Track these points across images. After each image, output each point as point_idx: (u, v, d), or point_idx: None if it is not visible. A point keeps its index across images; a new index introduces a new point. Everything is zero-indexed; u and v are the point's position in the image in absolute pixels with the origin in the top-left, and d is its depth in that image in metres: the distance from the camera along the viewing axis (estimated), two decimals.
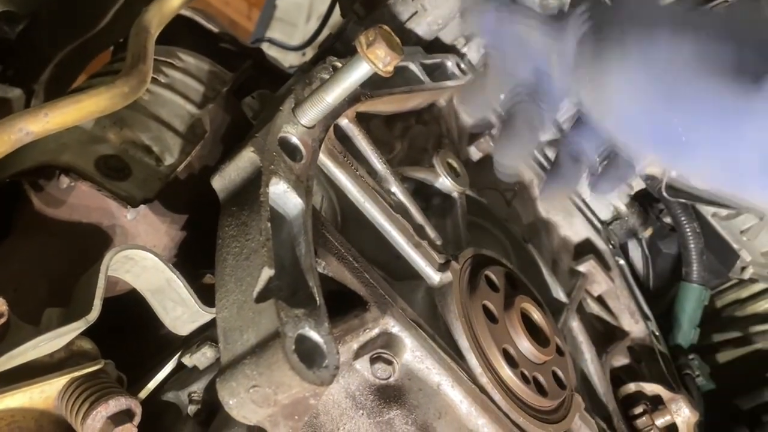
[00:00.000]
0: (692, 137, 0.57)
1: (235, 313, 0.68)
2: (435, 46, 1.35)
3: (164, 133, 1.06)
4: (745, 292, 1.78)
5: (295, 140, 0.83)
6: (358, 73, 0.74)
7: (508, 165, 0.76)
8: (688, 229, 1.52)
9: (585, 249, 1.49)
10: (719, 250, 1.60)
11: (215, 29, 1.35)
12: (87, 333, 0.79)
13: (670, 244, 1.60)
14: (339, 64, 0.93)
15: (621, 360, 1.39)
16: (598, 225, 1.51)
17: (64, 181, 0.95)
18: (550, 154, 1.23)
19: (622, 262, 1.51)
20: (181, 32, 1.25)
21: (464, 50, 1.37)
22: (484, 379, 0.88)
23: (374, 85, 0.98)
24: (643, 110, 0.58)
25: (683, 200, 1.50)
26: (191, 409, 0.89)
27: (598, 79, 0.59)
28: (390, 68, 0.72)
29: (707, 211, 1.59)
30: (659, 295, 1.62)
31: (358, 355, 0.81)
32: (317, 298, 0.70)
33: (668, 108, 0.58)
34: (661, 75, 0.57)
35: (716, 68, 0.55)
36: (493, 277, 0.99)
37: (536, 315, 1.00)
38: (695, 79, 0.55)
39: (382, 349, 0.81)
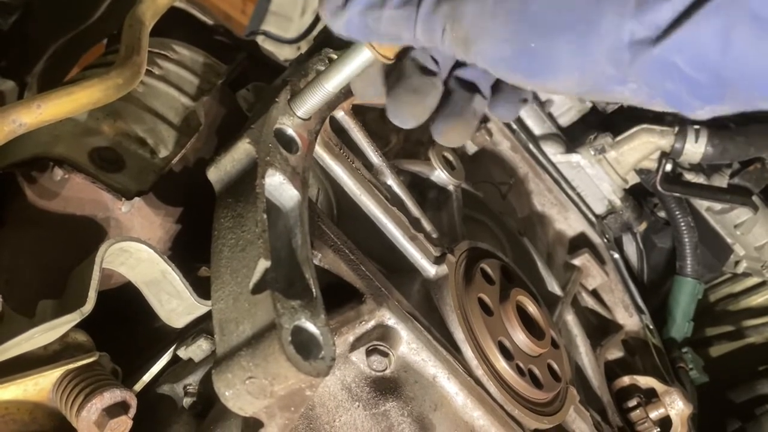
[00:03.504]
0: (550, 54, 0.58)
1: (230, 305, 0.67)
2: None
3: (159, 126, 1.05)
4: (738, 286, 1.79)
5: (290, 132, 0.83)
6: (358, 59, 0.72)
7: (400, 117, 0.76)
8: (682, 223, 1.52)
9: (580, 243, 1.50)
10: (713, 245, 1.61)
11: (210, 21, 1.34)
12: (82, 325, 0.78)
13: (664, 238, 1.61)
14: (334, 56, 0.92)
15: (615, 353, 1.40)
16: (593, 219, 1.52)
17: (58, 173, 0.94)
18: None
19: (616, 255, 1.51)
20: (175, 24, 1.24)
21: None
22: (480, 372, 0.88)
23: None
24: (505, 42, 0.59)
25: (677, 194, 1.51)
26: (186, 401, 0.89)
27: (461, 28, 0.60)
28: (390, 54, 0.70)
29: (701, 205, 1.60)
30: (653, 289, 1.63)
31: (354, 347, 0.81)
32: (313, 290, 0.69)
33: (525, 35, 0.58)
34: (515, 7, 0.57)
35: None
36: (488, 270, 0.99)
37: (531, 308, 1.01)
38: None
39: (378, 341, 0.81)
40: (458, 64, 0.74)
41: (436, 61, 0.73)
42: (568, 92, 0.62)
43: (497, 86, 0.76)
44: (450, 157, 1.15)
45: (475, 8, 0.60)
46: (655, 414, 1.25)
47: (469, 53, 0.62)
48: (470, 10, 0.60)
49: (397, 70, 0.74)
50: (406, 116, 0.75)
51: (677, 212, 1.52)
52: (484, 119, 1.37)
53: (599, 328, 1.44)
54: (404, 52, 0.73)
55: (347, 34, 0.68)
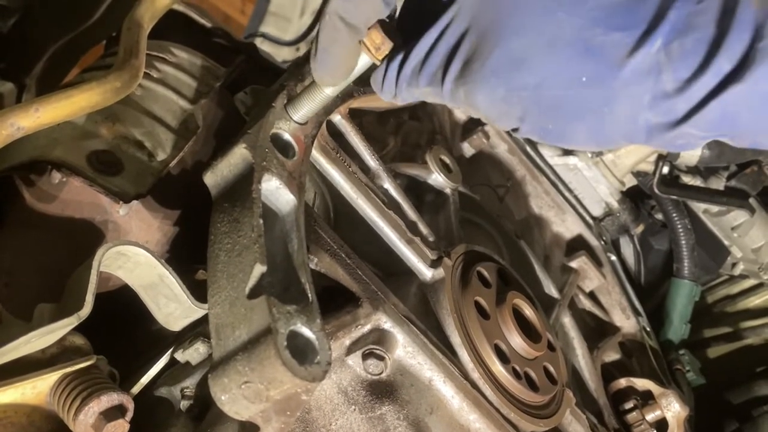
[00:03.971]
0: (567, 134, 0.63)
1: (227, 309, 0.68)
2: None
3: (157, 129, 1.05)
4: (735, 288, 1.80)
5: (287, 137, 0.83)
6: (357, 63, 0.74)
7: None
8: (679, 226, 1.53)
9: (577, 245, 1.50)
10: (710, 247, 1.62)
11: (208, 24, 1.34)
12: (79, 329, 0.79)
13: (661, 241, 1.62)
14: None
15: (612, 355, 1.40)
16: (590, 221, 1.52)
17: (56, 176, 0.94)
18: None
19: (613, 258, 1.52)
20: (173, 27, 1.24)
21: None
22: (476, 375, 0.88)
23: (367, 82, 0.98)
24: (522, 123, 0.65)
25: (675, 197, 1.52)
26: (184, 404, 0.89)
27: (479, 112, 0.68)
28: (381, 56, 0.71)
29: (698, 207, 1.60)
30: (650, 291, 1.63)
31: (350, 350, 0.81)
32: (309, 295, 0.70)
33: (541, 119, 0.64)
34: (528, 96, 0.62)
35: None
36: (485, 273, 1.00)
37: (528, 311, 1.01)
38: (554, 90, 0.61)
39: (374, 344, 0.81)
40: None
41: None
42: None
43: None
44: (447, 160, 1.15)
45: (487, 98, 0.64)
46: (651, 416, 1.26)
47: (494, 125, 0.69)
48: (482, 100, 0.65)
49: None
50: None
51: (674, 215, 1.53)
52: (482, 122, 1.37)
53: (596, 331, 1.44)
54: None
55: (406, 103, 0.78)
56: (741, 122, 0.55)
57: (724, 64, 0.53)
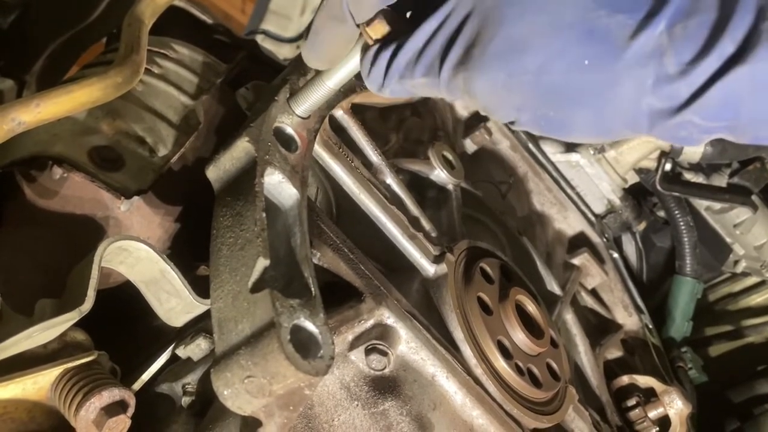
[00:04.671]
0: (568, 122, 0.62)
1: (229, 304, 0.67)
2: None
3: (158, 124, 1.05)
4: (737, 286, 1.79)
5: (290, 130, 0.83)
6: (359, 55, 0.73)
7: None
8: (681, 223, 1.52)
9: (579, 242, 1.49)
10: (712, 244, 1.61)
11: (209, 20, 1.34)
12: (80, 324, 0.78)
13: (663, 238, 1.61)
14: None
15: (614, 352, 1.40)
16: (592, 218, 1.52)
17: (57, 171, 0.94)
18: None
19: (615, 255, 1.51)
20: (174, 23, 1.24)
21: None
22: (479, 371, 0.88)
23: None
24: (522, 111, 0.63)
25: (677, 194, 1.51)
26: (185, 400, 0.88)
27: (477, 100, 0.66)
28: None
29: (701, 204, 1.60)
30: (653, 289, 1.63)
31: (353, 346, 0.81)
32: (312, 289, 0.69)
33: (542, 106, 0.62)
34: (529, 81, 0.61)
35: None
36: (488, 269, 0.99)
37: (531, 307, 1.00)
38: (555, 74, 0.59)
39: (377, 340, 0.81)
40: None
41: None
42: (585, 142, 0.68)
43: None
44: (449, 156, 1.14)
45: (487, 85, 0.62)
46: (654, 413, 1.25)
47: (492, 117, 0.67)
48: (482, 87, 0.63)
49: None
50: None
51: (676, 212, 1.52)
52: (484, 118, 1.37)
53: (598, 328, 1.44)
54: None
55: (394, 97, 0.73)
56: (743, 110, 0.55)
57: (727, 46, 0.52)
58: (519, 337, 0.95)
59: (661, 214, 1.62)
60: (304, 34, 0.75)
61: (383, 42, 0.69)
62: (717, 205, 1.58)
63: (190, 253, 0.98)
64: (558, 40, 0.58)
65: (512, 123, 0.66)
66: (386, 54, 0.69)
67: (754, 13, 0.52)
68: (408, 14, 0.72)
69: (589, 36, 0.57)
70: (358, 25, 0.70)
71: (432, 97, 0.73)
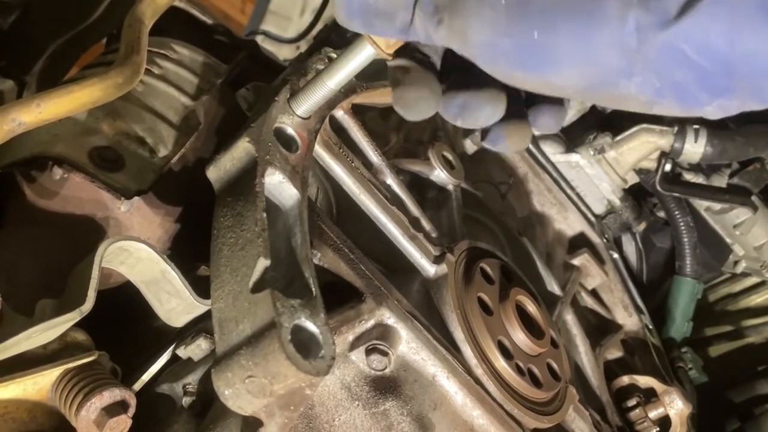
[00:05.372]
0: (553, 46, 0.57)
1: (230, 304, 0.67)
2: None
3: (158, 125, 1.05)
4: (737, 286, 1.79)
5: (290, 131, 0.83)
6: (360, 55, 0.72)
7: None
8: (681, 223, 1.52)
9: (579, 242, 1.50)
10: (712, 245, 1.61)
11: (209, 21, 1.34)
12: (81, 324, 0.78)
13: (663, 238, 1.61)
14: (334, 55, 0.92)
15: (614, 353, 1.40)
16: (592, 219, 1.52)
17: (57, 172, 0.94)
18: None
19: (615, 255, 1.51)
20: (175, 24, 1.24)
21: None
22: (479, 371, 0.88)
23: (370, 77, 0.98)
24: (505, 34, 0.58)
25: (677, 194, 1.51)
26: (186, 400, 0.88)
27: (459, 19, 0.60)
28: (392, 51, 0.70)
29: (700, 205, 1.60)
30: (653, 289, 1.63)
31: (353, 346, 0.81)
32: (313, 289, 0.69)
33: (527, 25, 0.57)
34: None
35: None
36: (488, 269, 0.99)
37: (531, 307, 1.01)
38: None
39: (378, 340, 0.81)
40: None
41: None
42: (572, 90, 0.61)
43: (533, 99, 0.75)
44: (449, 156, 1.15)
45: (475, 19, 0.58)
46: (654, 413, 1.25)
47: (466, 46, 0.60)
48: (469, 21, 0.59)
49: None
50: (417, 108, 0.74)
51: (676, 212, 1.52)
52: None
53: (598, 328, 1.44)
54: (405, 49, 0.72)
55: (348, 17, 0.66)
56: (740, 42, 0.51)
57: None
58: (519, 337, 0.95)
59: (661, 214, 1.62)
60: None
61: None
62: (717, 206, 1.58)
63: (190, 254, 0.98)
64: None
65: (495, 61, 0.60)
66: None
67: None
68: None
69: None
70: None
71: (382, 23, 0.65)
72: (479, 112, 0.72)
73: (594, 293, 1.46)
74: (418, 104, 0.73)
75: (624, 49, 0.54)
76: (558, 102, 0.75)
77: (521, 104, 0.74)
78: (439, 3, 0.61)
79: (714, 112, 0.56)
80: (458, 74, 0.73)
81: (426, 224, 0.98)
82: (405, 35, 0.65)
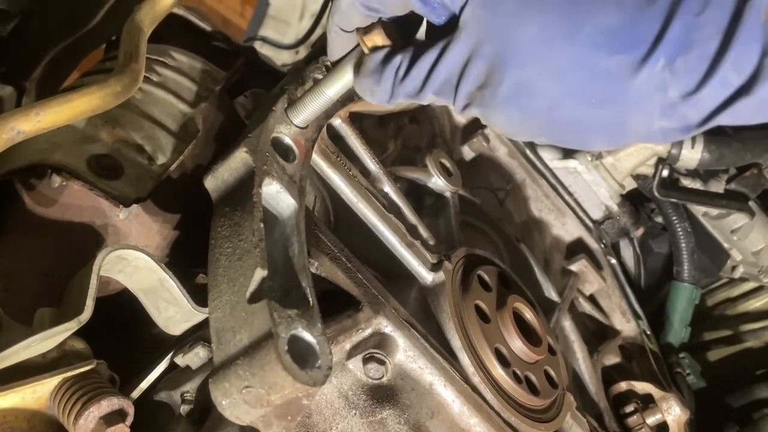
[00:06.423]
0: (585, 144, 0.66)
1: (227, 314, 0.68)
2: None
3: (157, 132, 1.05)
4: (735, 291, 1.80)
5: (287, 140, 0.83)
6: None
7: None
8: (679, 229, 1.53)
9: (577, 248, 1.50)
10: (710, 250, 1.62)
11: (208, 28, 1.34)
12: (79, 333, 0.79)
13: (661, 244, 1.61)
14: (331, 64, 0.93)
15: (612, 359, 1.40)
16: (590, 224, 1.52)
17: (56, 180, 0.94)
18: None
19: (613, 261, 1.51)
20: (173, 31, 1.24)
21: None
22: (477, 379, 0.88)
23: None
24: (539, 138, 0.67)
25: (674, 200, 1.51)
26: (184, 408, 0.89)
27: (495, 129, 0.69)
28: None
29: (698, 210, 1.60)
30: (650, 294, 1.63)
31: (350, 355, 0.81)
32: (310, 299, 0.70)
33: (557, 136, 0.65)
34: (542, 120, 0.63)
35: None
36: (485, 276, 1.00)
37: (528, 314, 1.01)
38: (566, 112, 0.62)
39: (375, 349, 0.81)
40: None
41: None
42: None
43: None
44: (447, 163, 1.15)
45: (503, 119, 0.65)
46: (652, 420, 1.25)
47: (509, 137, 0.70)
48: (498, 121, 0.65)
49: None
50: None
51: (674, 217, 1.53)
52: (482, 125, 1.37)
53: (596, 334, 1.44)
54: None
55: (391, 106, 0.75)
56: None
57: (730, 75, 0.54)
58: (516, 344, 0.95)
59: (659, 219, 1.62)
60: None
61: (386, 54, 0.69)
62: (714, 211, 1.59)
63: (188, 261, 0.99)
64: (562, 83, 0.60)
65: (515, 137, 0.68)
66: (391, 69, 0.69)
67: (761, 44, 0.53)
68: (420, 33, 0.72)
69: (591, 78, 0.59)
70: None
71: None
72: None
73: (592, 299, 1.46)
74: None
75: (652, 141, 0.63)
76: None
77: None
78: (472, 112, 0.67)
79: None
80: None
81: (423, 232, 0.99)
82: (418, 100, 0.71)
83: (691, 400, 1.44)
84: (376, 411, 0.81)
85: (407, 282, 0.94)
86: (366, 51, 0.70)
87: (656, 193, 1.49)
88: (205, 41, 1.31)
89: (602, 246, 1.51)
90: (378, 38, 0.69)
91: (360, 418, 0.81)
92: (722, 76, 0.54)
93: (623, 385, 1.30)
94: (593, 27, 0.58)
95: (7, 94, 1.25)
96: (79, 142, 0.99)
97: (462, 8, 0.63)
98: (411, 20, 0.71)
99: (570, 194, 1.50)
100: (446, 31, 0.65)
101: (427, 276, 0.94)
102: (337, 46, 0.75)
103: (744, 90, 0.54)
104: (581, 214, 1.51)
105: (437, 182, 1.12)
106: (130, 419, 0.78)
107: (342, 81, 0.77)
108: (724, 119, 0.56)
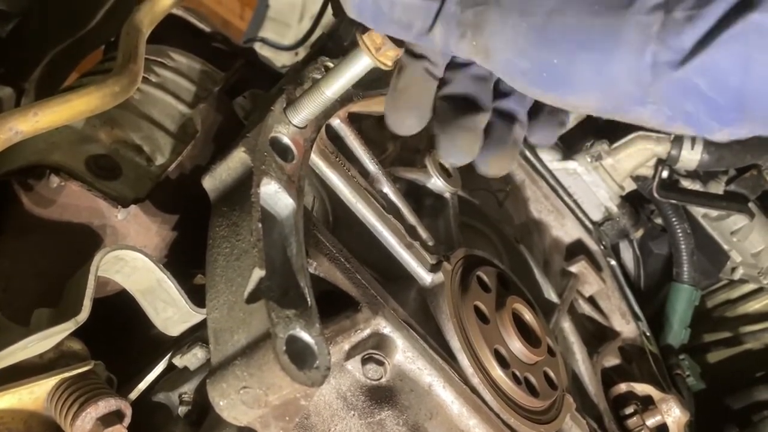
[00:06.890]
0: (571, 72, 0.59)
1: (225, 314, 0.67)
2: None
3: (155, 133, 1.05)
4: (735, 293, 1.79)
5: (286, 140, 0.83)
6: (358, 65, 0.72)
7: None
8: (678, 230, 1.53)
9: (576, 249, 1.50)
10: (710, 251, 1.62)
11: (207, 29, 1.34)
12: (77, 333, 0.78)
13: (661, 245, 1.61)
14: (330, 64, 0.93)
15: (612, 360, 1.40)
16: (590, 226, 1.52)
17: (54, 180, 0.94)
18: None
19: (613, 262, 1.51)
20: (172, 31, 1.24)
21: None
22: (476, 380, 0.88)
23: (367, 86, 0.98)
24: (526, 56, 0.60)
25: (674, 201, 1.51)
26: (182, 410, 0.89)
27: (482, 38, 0.62)
28: (389, 62, 0.70)
29: (698, 212, 1.60)
30: (650, 296, 1.63)
31: (349, 355, 0.81)
32: (308, 299, 0.69)
33: (546, 51, 0.59)
34: (538, 23, 0.58)
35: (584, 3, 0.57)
36: (484, 277, 0.99)
37: (528, 315, 1.01)
38: (567, 16, 0.57)
39: (374, 349, 0.81)
40: (498, 95, 0.74)
41: (474, 100, 0.73)
42: (588, 110, 0.63)
43: (534, 112, 0.77)
44: (446, 164, 1.15)
45: (499, 20, 0.60)
46: (651, 421, 1.25)
47: (488, 62, 0.63)
48: (494, 21, 0.60)
49: (445, 105, 0.74)
50: (463, 155, 0.74)
51: (674, 219, 1.53)
52: None
53: (596, 335, 1.44)
54: (403, 60, 0.73)
55: (358, 15, 0.66)
56: (752, 73, 0.52)
57: None
58: (516, 345, 0.95)
59: (659, 221, 1.62)
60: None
61: None
62: (714, 213, 1.59)
63: (186, 261, 0.98)
64: None
65: (514, 78, 0.62)
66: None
67: None
68: None
69: None
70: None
71: (396, 32, 0.66)
72: (452, 157, 0.75)
73: (591, 300, 1.46)
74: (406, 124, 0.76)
75: (639, 82, 0.56)
76: (558, 117, 0.77)
77: (508, 129, 0.75)
78: (462, 19, 0.62)
79: (723, 137, 0.58)
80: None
81: (423, 232, 0.99)
82: (421, 41, 0.66)
83: (690, 401, 1.44)
84: (375, 412, 0.81)
85: (406, 283, 0.94)
86: (381, 66, 0.69)
87: (656, 195, 1.49)
88: (204, 42, 1.31)
89: (602, 247, 1.51)
90: (377, 37, 0.69)
91: (358, 419, 0.80)
92: None
93: (623, 387, 1.30)
94: None
95: (6, 95, 1.25)
96: (78, 142, 0.99)
97: None
98: None
99: (569, 195, 1.50)
100: None
101: (426, 277, 0.94)
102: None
103: (746, 4, 0.50)
104: (581, 215, 1.51)
105: (436, 183, 1.12)
106: (127, 420, 0.78)
107: (342, 80, 0.77)
108: (721, 49, 0.52)
